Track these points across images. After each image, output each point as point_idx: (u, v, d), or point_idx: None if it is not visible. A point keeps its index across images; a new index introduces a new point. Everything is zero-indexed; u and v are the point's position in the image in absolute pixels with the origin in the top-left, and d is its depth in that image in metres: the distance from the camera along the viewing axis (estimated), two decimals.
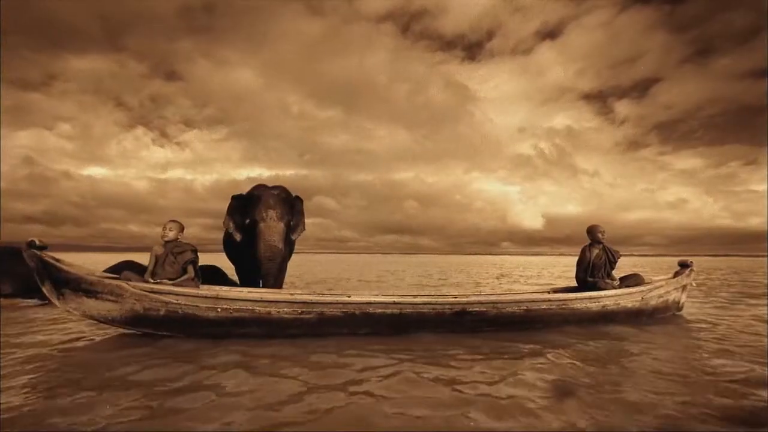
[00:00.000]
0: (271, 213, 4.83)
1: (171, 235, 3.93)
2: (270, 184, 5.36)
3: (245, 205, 5.11)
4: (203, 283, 5.33)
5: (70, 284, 3.45)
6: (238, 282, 5.92)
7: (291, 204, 5.26)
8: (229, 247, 5.91)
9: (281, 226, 4.87)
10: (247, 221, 4.94)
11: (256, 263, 4.80)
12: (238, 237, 5.04)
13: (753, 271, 18.35)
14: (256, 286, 5.33)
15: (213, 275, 5.76)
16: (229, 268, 6.07)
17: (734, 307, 5.96)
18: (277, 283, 4.97)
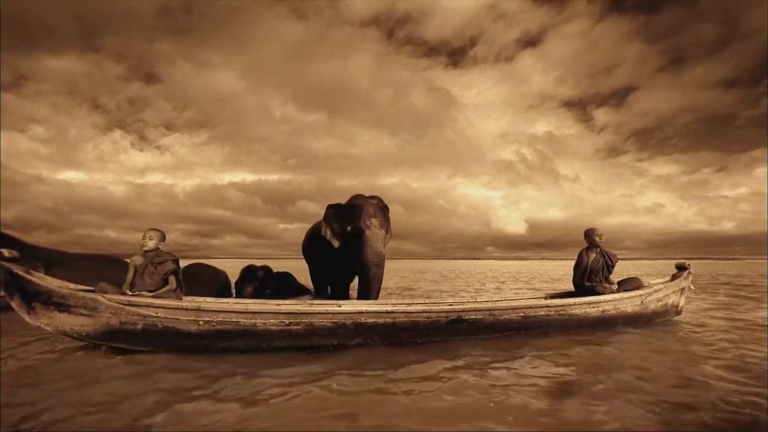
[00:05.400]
0: (374, 221, 5.04)
1: (151, 244, 3.71)
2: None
3: (343, 214, 5.30)
4: (277, 290, 5.60)
5: (40, 297, 3.22)
6: (309, 287, 6.32)
7: (384, 212, 5.45)
8: (314, 253, 6.26)
9: (383, 233, 5.13)
10: (349, 229, 5.09)
11: (360, 269, 4.99)
12: (336, 244, 5.24)
13: (744, 274, 18.51)
14: (342, 290, 5.89)
15: (286, 281, 5.90)
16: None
17: (730, 309, 5.90)
18: (380, 287, 5.17)
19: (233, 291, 5.80)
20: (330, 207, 5.50)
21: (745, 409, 2.17)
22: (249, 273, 5.82)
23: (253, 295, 5.28)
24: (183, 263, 4.03)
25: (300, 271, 6.83)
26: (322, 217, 5.61)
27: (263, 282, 5.68)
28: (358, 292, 5.10)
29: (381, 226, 5.10)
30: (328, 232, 5.28)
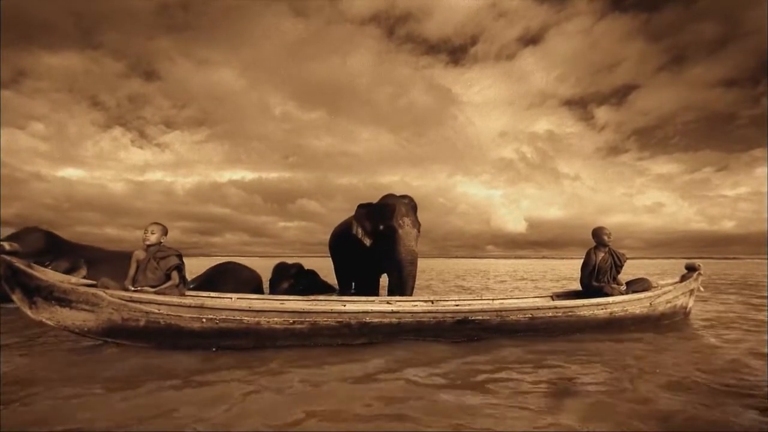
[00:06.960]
0: (407, 220, 5.12)
1: (153, 238, 3.66)
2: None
3: (374, 213, 5.37)
4: (305, 288, 5.77)
5: (42, 292, 3.17)
6: (334, 285, 6.52)
7: (415, 211, 5.52)
8: (341, 251, 6.41)
9: (415, 231, 5.19)
10: (381, 228, 5.16)
11: (394, 267, 5.06)
12: (367, 242, 5.31)
13: (747, 274, 18.42)
14: (371, 288, 5.88)
15: (312, 279, 6.14)
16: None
17: (736, 310, 5.81)
18: (413, 284, 5.23)
19: (265, 291, 5.91)
20: (361, 206, 5.57)
21: (748, 411, 2.14)
22: (282, 270, 6.05)
23: (287, 291, 5.45)
24: (206, 261, 4.01)
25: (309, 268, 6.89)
26: (352, 215, 5.69)
27: (296, 279, 5.89)
28: (389, 290, 5.14)
29: (413, 224, 5.17)
30: (360, 230, 5.34)
